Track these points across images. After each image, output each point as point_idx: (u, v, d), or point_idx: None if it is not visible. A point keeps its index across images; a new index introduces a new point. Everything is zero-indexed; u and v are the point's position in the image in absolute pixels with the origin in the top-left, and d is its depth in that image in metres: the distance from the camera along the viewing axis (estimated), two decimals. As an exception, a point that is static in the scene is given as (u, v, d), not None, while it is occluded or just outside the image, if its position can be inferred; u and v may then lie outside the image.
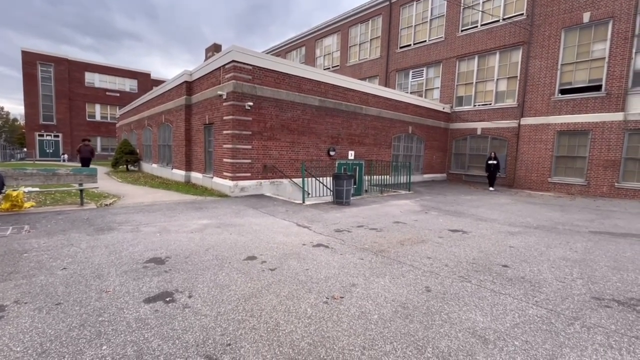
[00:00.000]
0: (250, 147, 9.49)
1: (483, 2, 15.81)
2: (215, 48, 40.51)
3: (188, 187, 10.96)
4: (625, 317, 2.78)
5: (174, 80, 12.89)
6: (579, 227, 6.56)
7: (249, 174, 9.54)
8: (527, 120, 13.84)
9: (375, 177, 12.60)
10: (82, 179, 7.33)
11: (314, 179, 10.03)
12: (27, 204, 6.76)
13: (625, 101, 11.47)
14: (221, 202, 8.23)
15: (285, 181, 10.32)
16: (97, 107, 34.57)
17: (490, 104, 15.83)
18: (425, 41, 18.35)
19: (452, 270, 3.83)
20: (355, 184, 10.55)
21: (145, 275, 3.42)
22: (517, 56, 14.76)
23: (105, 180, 12.47)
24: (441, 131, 17.21)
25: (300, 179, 10.31)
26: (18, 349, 2.13)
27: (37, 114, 30.78)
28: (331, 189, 10.32)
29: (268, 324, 2.52)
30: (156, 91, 15.49)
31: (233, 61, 8.95)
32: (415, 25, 18.94)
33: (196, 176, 11.65)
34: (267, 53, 26.73)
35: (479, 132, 16.22)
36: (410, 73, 19.29)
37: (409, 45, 19.21)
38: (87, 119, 33.72)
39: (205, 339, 2.29)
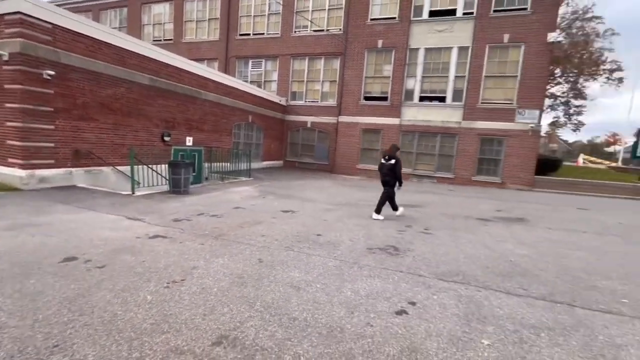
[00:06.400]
0: (53, 127, 7.60)
1: (312, 11, 18.02)
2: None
3: (-63, 178, 7.64)
4: (381, 257, 4.35)
5: None
6: (369, 202, 9.02)
7: (52, 161, 7.66)
8: (343, 119, 17.11)
9: (215, 164, 12.58)
10: None
11: (145, 166, 9.11)
12: None
13: (400, 110, 16.07)
14: (8, 198, 6.34)
15: (107, 169, 8.87)
16: None
17: (317, 102, 18.50)
18: (264, 34, 19.21)
19: (280, 243, 4.70)
20: (194, 171, 10.26)
21: None
22: (337, 64, 17.81)
23: None
24: (278, 122, 18.74)
25: (128, 167, 9.17)
26: None
27: None
28: (167, 177, 9.69)
29: (103, 318, 2.52)
30: None
31: (19, 13, 6.82)
32: (254, 16, 19.45)
33: (-47, 163, 8.23)
34: (71, 9, 21.19)
35: (309, 125, 18.70)
36: (250, 62, 19.80)
37: (249, 34, 19.60)
38: None
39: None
